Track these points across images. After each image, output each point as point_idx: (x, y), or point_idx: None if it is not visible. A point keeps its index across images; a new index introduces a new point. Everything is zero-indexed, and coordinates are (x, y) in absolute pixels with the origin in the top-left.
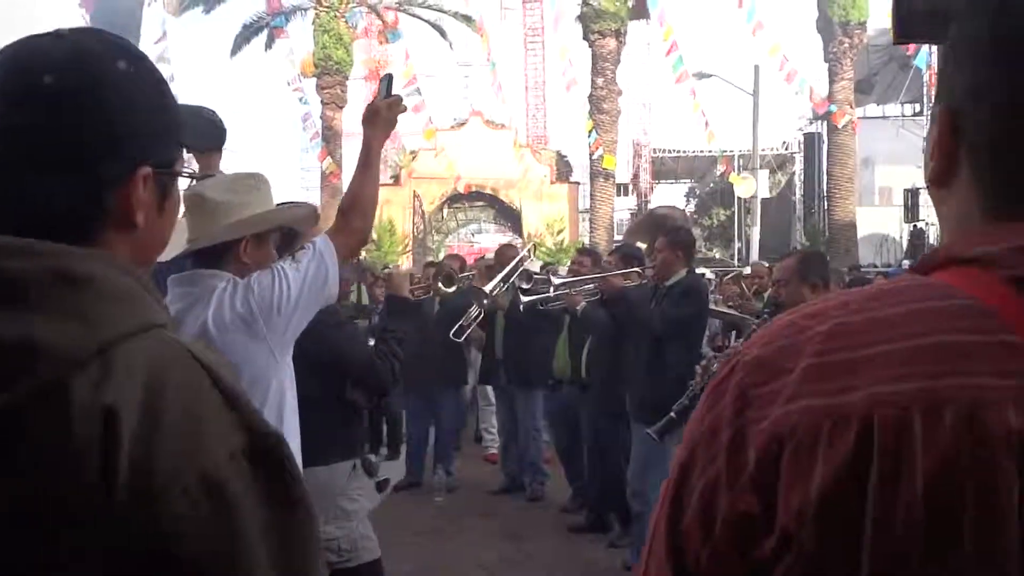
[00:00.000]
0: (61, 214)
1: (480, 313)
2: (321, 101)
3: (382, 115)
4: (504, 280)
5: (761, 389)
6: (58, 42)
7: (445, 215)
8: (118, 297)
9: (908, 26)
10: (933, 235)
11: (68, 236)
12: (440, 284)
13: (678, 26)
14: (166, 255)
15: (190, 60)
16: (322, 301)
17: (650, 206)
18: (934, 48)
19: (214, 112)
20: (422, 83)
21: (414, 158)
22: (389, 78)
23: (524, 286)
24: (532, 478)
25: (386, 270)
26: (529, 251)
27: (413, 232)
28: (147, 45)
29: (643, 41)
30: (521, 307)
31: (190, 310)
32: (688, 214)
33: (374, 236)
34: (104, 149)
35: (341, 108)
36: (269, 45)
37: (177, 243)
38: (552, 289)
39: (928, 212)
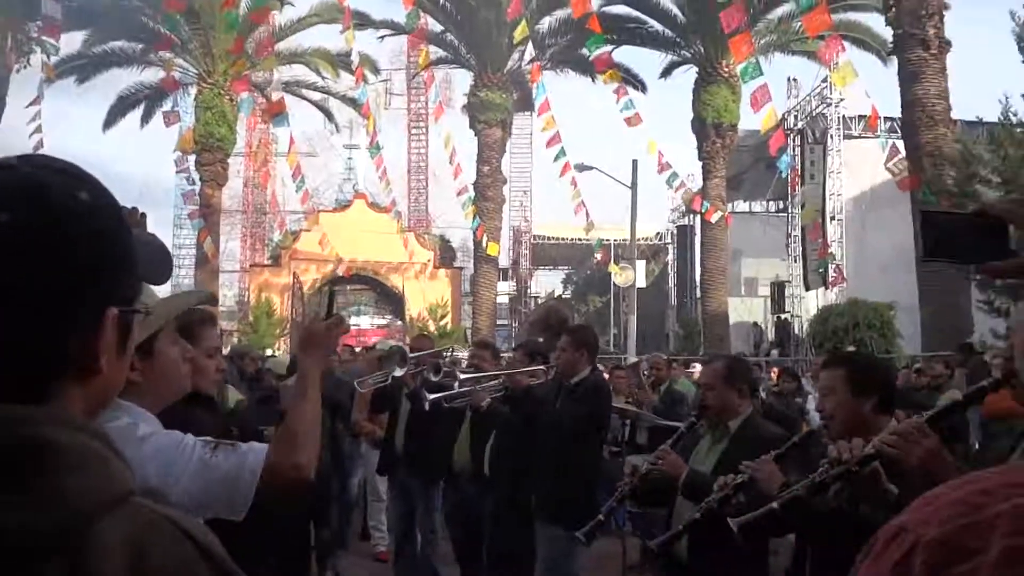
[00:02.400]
0: (16, 367)
1: (385, 380)
2: (200, 178)
3: (319, 340)
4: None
5: (952, 569)
6: (9, 174)
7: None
8: (85, 467)
9: (936, 246)
10: (797, 327)
11: (21, 391)
12: None
13: (561, 119)
14: None
15: (61, 130)
16: (211, 514)
17: (530, 292)
18: (796, 151)
19: (156, 237)
20: (305, 163)
21: (295, 239)
22: (331, 294)
23: (432, 378)
24: None
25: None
26: (445, 351)
27: (292, 315)
28: (17, 108)
29: (526, 131)
30: (426, 404)
31: None
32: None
33: (251, 318)
34: (68, 292)
35: (221, 186)
36: (146, 119)
37: None
38: (458, 384)
39: (792, 304)
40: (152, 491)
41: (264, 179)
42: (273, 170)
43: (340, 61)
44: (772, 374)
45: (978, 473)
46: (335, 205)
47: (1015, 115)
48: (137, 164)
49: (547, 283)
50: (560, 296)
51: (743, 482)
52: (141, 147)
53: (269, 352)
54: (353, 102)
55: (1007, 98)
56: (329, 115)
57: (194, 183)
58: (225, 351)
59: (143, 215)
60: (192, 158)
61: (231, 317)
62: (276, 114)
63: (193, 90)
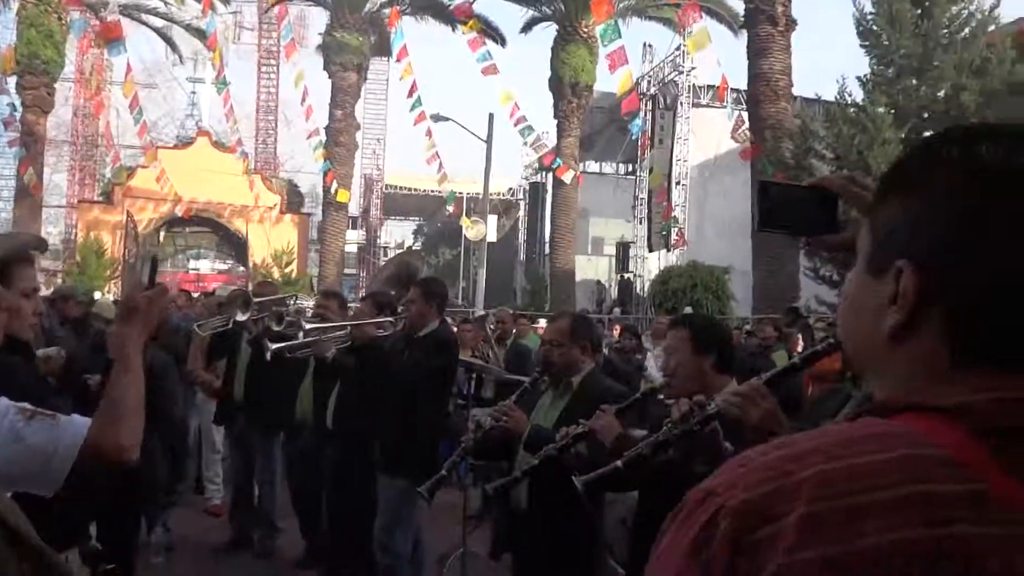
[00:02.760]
0: None
1: (225, 324)
2: (23, 103)
3: (141, 311)
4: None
5: (756, 534)
6: None
7: (162, 239)
8: None
9: (769, 217)
10: (639, 286)
11: None
12: None
13: (419, 67)
14: None
15: None
16: (18, 488)
17: (379, 242)
18: (648, 116)
19: None
20: (144, 94)
21: (130, 176)
22: (153, 262)
23: (275, 328)
24: (263, 533)
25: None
26: (288, 298)
27: (124, 256)
28: None
29: (383, 77)
30: (268, 354)
31: None
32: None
33: (78, 258)
34: None
35: (46, 113)
36: None
37: None
38: (302, 334)
39: (636, 264)
40: None
41: (97, 108)
42: (108, 100)
43: None
44: (614, 332)
45: (792, 436)
46: (176, 142)
47: (850, 95)
48: None
49: (397, 233)
50: (412, 248)
51: (582, 432)
52: None
53: (98, 295)
54: (199, 32)
55: (844, 79)
56: (172, 44)
57: (15, 108)
58: (47, 292)
59: None
60: (12, 80)
61: (56, 256)
62: (112, 40)
63: (15, 4)
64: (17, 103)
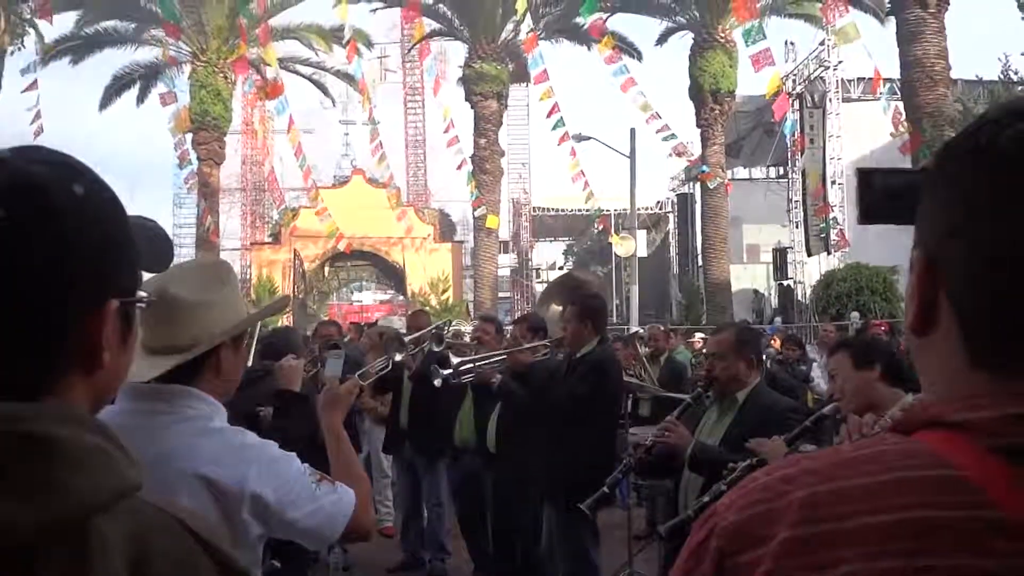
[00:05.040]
0: (16, 363)
1: (386, 367)
2: (198, 157)
3: (342, 401)
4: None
5: (739, 558)
6: (0, 169)
7: (326, 274)
8: (85, 461)
9: (873, 209)
10: (800, 293)
11: (22, 388)
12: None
13: (558, 89)
14: (139, 375)
15: (57, 112)
16: (308, 543)
17: (531, 264)
18: (796, 116)
19: (156, 223)
20: (302, 140)
21: (295, 216)
22: (344, 356)
23: (435, 349)
24: (433, 555)
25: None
26: (444, 324)
27: (293, 292)
28: (12, 95)
29: (523, 103)
30: (437, 381)
31: (153, 435)
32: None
33: (252, 296)
34: (67, 286)
35: (219, 164)
36: (141, 99)
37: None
38: (451, 370)
39: (795, 270)
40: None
41: (264, 157)
42: (271, 148)
43: (333, 35)
44: (774, 342)
45: (796, 455)
46: (333, 181)
47: (1015, 73)
48: (134, 145)
49: (548, 255)
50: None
51: (751, 465)
52: (137, 127)
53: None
54: (348, 77)
55: (1007, 56)
56: (324, 90)
57: (191, 163)
58: None
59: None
60: (189, 137)
61: None
62: (273, 96)
63: (187, 68)
64: (194, 158)
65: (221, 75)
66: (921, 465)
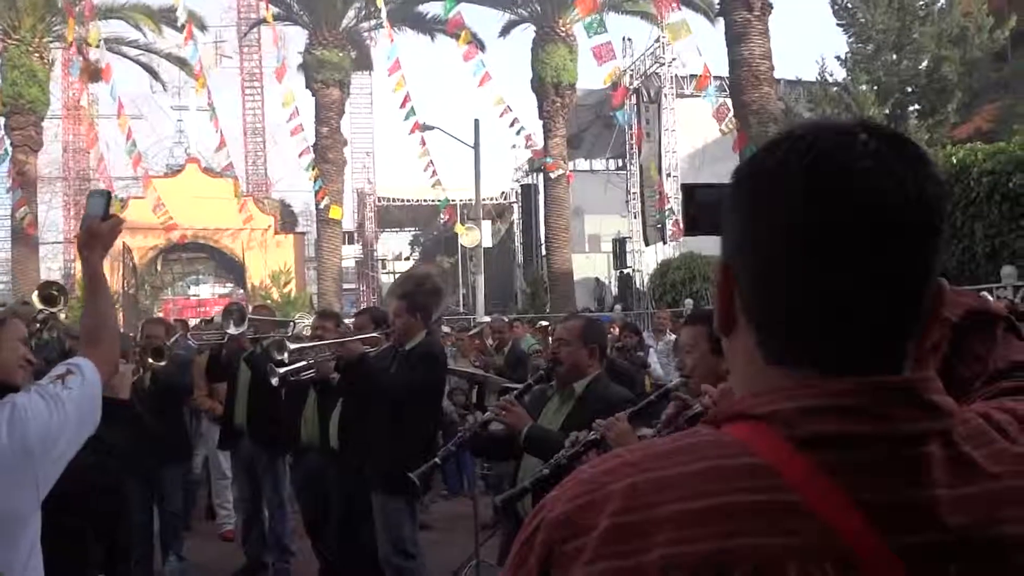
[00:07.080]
0: None
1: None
2: (11, 144)
3: (103, 240)
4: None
5: (566, 546)
6: None
7: (159, 268)
8: None
9: (695, 222)
10: (639, 281)
11: None
12: (150, 359)
13: (407, 78)
14: None
15: None
16: (91, 430)
17: (376, 255)
18: (633, 110)
19: None
20: (132, 126)
21: (124, 207)
22: (107, 196)
23: (276, 356)
24: (277, 558)
25: None
26: (294, 321)
27: (124, 288)
28: None
29: (366, 91)
30: (274, 380)
31: None
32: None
33: (78, 292)
34: None
35: (36, 151)
36: None
37: None
38: (287, 354)
39: (634, 259)
40: None
41: (90, 143)
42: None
43: (162, 16)
44: (614, 329)
45: (626, 448)
46: (166, 170)
47: (831, 75)
48: None
49: (394, 245)
50: (416, 259)
51: (595, 440)
52: None
53: None
54: (180, 61)
55: (823, 60)
56: (155, 74)
57: (5, 151)
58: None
59: None
60: (1, 121)
61: None
62: (97, 79)
63: None
64: (7, 144)
65: (36, 55)
66: (728, 455)
